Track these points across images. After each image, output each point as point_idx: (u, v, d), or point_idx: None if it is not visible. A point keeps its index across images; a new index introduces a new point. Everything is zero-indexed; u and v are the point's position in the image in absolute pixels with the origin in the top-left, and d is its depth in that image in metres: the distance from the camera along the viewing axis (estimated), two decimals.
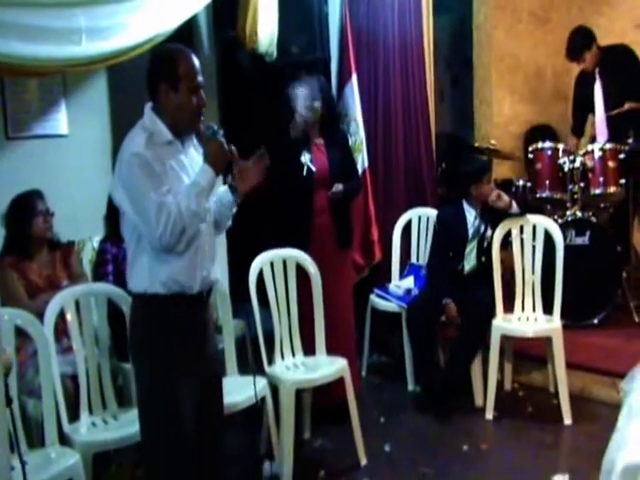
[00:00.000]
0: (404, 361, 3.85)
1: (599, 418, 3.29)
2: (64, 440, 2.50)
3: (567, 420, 3.38)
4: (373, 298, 4.06)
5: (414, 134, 4.46)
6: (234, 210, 2.27)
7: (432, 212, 4.15)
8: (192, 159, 2.19)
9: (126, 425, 2.60)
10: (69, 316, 2.68)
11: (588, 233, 4.20)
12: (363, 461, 3.08)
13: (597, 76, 4.64)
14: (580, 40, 4.61)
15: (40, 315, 2.59)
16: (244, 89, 4.57)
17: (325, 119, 3.56)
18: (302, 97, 3.47)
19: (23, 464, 1.62)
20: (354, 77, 4.18)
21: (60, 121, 3.65)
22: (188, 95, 2.09)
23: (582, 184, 4.37)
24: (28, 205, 2.98)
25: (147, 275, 2.07)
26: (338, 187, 3.45)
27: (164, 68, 2.10)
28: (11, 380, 2.30)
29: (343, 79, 4.25)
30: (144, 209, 2.00)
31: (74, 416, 2.62)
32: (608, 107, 4.60)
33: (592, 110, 4.68)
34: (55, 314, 2.64)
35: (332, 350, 3.26)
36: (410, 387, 3.86)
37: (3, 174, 3.31)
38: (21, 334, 2.55)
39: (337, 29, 4.32)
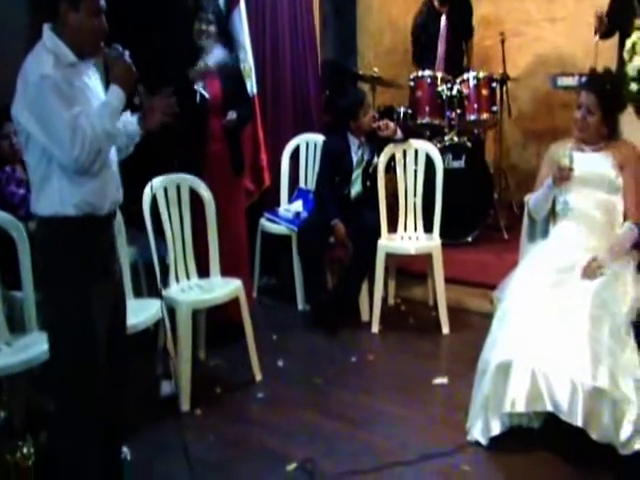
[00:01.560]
0: (294, 282, 3.99)
1: (474, 327, 3.61)
2: None
3: (445, 330, 3.68)
4: (263, 222, 4.13)
5: (302, 61, 4.47)
6: (137, 139, 2.28)
7: (319, 138, 4.22)
8: (93, 81, 2.16)
9: (20, 351, 2.55)
10: None
11: (464, 157, 4.48)
12: (258, 377, 3.21)
13: (444, 14, 4.91)
14: None
15: None
16: (131, 11, 4.32)
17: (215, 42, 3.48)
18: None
19: None
20: (242, 1, 4.08)
21: None
22: (90, 17, 2.04)
23: (459, 111, 4.62)
24: None
25: (58, 198, 2.05)
26: (232, 115, 3.45)
27: None
28: None
29: (231, 3, 4.12)
30: (57, 131, 1.97)
31: None
32: (448, 44, 4.92)
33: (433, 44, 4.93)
34: None
35: (226, 272, 3.31)
36: (300, 306, 4.02)
37: None
38: None
39: None
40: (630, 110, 3.09)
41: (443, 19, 4.94)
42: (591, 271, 2.67)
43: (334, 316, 3.75)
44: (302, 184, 4.31)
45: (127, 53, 2.13)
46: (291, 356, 3.45)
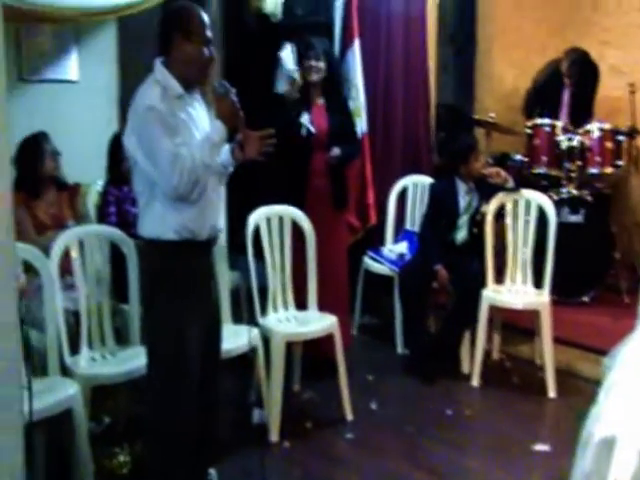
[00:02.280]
0: (394, 324, 3.90)
1: (582, 393, 3.36)
2: (65, 372, 2.56)
3: (551, 393, 3.44)
4: (366, 260, 4.09)
5: (413, 102, 4.47)
6: (230, 170, 2.36)
7: (427, 180, 4.18)
8: (198, 112, 2.26)
9: (124, 362, 2.66)
10: (73, 254, 2.72)
11: (582, 211, 4.26)
12: (349, 416, 3.14)
13: (568, 85, 4.78)
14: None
15: (46, 251, 2.63)
16: (248, 48, 4.53)
17: (327, 81, 3.55)
18: (305, 57, 3.49)
19: (30, 387, 1.64)
20: (356, 42, 4.14)
21: (71, 67, 3.73)
22: (200, 47, 2.16)
23: (579, 162, 4.42)
24: (36, 146, 3.06)
25: (159, 222, 2.15)
26: (335, 151, 3.48)
27: (178, 20, 2.18)
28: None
29: (346, 43, 4.21)
30: (159, 160, 2.07)
31: (74, 350, 2.67)
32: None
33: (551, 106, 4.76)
34: (60, 251, 2.68)
35: (325, 307, 3.29)
36: (399, 350, 3.91)
37: (15, 115, 3.29)
38: (27, 269, 2.57)
39: None
40: None
41: (567, 91, 4.81)
42: None
43: (433, 364, 3.62)
44: (408, 225, 4.25)
45: (234, 91, 2.21)
46: (385, 399, 3.35)
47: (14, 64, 3.44)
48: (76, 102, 3.68)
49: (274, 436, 2.93)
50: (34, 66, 3.56)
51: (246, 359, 2.99)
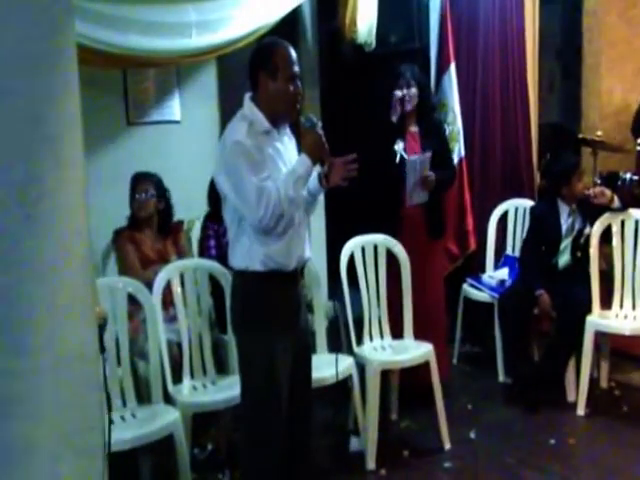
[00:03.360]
0: (495, 352, 3.84)
1: None
2: (168, 400, 2.75)
3: None
4: (466, 287, 4.06)
5: (512, 125, 4.40)
6: (318, 196, 2.41)
7: (528, 203, 4.09)
8: (286, 147, 2.33)
9: (223, 390, 2.82)
10: (175, 287, 2.91)
11: None
12: (447, 445, 3.13)
13: None
14: None
15: (149, 285, 2.84)
16: (345, 79, 4.67)
17: (421, 108, 3.59)
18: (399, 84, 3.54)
19: (110, 420, 1.76)
20: (452, 66, 4.17)
21: (174, 108, 3.92)
22: (285, 83, 2.22)
23: None
24: (132, 185, 3.26)
25: (247, 254, 2.23)
26: (430, 175, 3.46)
27: (263, 58, 2.24)
28: (108, 335, 2.49)
29: (441, 68, 4.25)
30: (246, 193, 2.14)
31: (177, 379, 2.86)
32: None
33: None
34: (163, 284, 2.88)
35: (422, 336, 3.31)
36: (500, 378, 3.84)
37: (124, 157, 3.61)
38: (133, 302, 2.80)
39: (437, 17, 4.31)
40: None
41: None
42: None
43: (536, 392, 3.52)
44: (509, 251, 4.18)
45: (320, 124, 2.26)
46: (485, 429, 3.31)
47: (122, 109, 3.69)
48: (179, 141, 3.86)
49: (371, 464, 2.98)
50: (140, 110, 3.77)
51: (344, 387, 3.08)
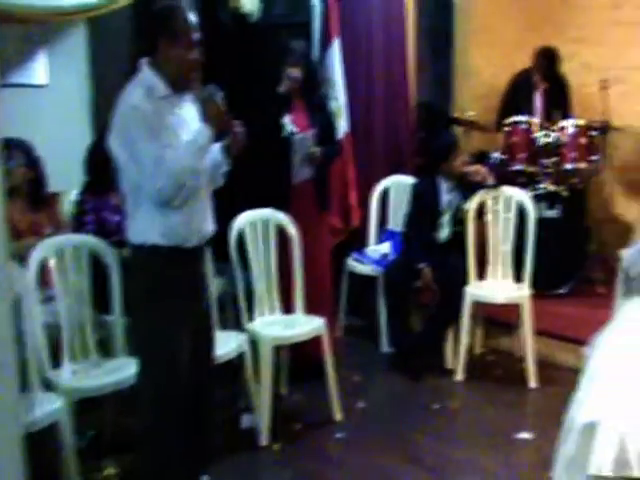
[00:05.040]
0: (378, 323, 3.96)
1: (562, 382, 3.42)
2: (47, 386, 2.53)
3: (532, 383, 3.54)
4: (350, 261, 4.14)
5: (394, 102, 4.52)
6: (224, 169, 2.33)
7: (409, 180, 4.22)
8: (188, 114, 2.22)
9: (109, 374, 2.65)
10: (52, 265, 2.69)
11: (559, 207, 4.34)
12: (338, 416, 3.19)
13: (540, 85, 4.89)
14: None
15: (21, 260, 2.59)
16: (225, 48, 4.53)
17: (306, 82, 3.58)
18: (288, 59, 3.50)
19: None
20: (336, 42, 4.18)
21: (39, 71, 3.63)
22: (186, 50, 2.14)
23: (555, 159, 4.50)
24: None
25: (147, 226, 2.12)
26: (316, 150, 3.49)
27: (162, 23, 2.14)
28: None
29: (325, 43, 4.24)
30: (143, 162, 2.03)
31: (56, 364, 2.65)
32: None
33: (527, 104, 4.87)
34: (38, 261, 2.64)
35: (310, 310, 3.33)
36: (384, 348, 3.97)
37: None
38: None
39: None
40: None
41: (540, 88, 4.95)
42: None
43: (418, 361, 3.69)
44: (391, 225, 4.31)
45: (220, 94, 2.19)
46: (372, 398, 3.42)
47: None
48: (46, 107, 3.60)
49: (264, 440, 2.97)
50: (1, 71, 3.42)
51: (233, 365, 3.03)
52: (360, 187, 4.32)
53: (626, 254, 2.93)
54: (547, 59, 4.93)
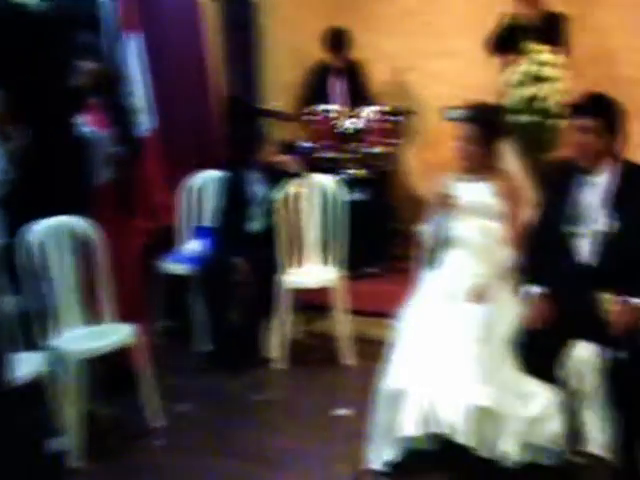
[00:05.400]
0: (196, 323, 3.90)
1: (378, 357, 3.58)
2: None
3: (349, 361, 3.70)
4: (162, 262, 4.04)
5: (199, 97, 4.49)
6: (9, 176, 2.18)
7: (218, 174, 4.17)
8: None
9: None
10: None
11: (365, 190, 4.55)
12: (158, 423, 3.11)
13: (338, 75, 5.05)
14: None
15: None
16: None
17: (100, 78, 3.43)
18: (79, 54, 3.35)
19: None
20: (132, 36, 4.04)
21: None
22: None
23: (359, 144, 4.71)
24: None
25: None
26: (115, 150, 3.38)
27: None
28: None
29: (120, 37, 4.08)
30: None
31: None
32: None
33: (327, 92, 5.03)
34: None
35: (122, 317, 3.20)
36: (203, 348, 3.91)
37: None
38: None
39: None
40: (510, 141, 3.23)
41: (337, 82, 5.10)
42: (477, 295, 2.79)
43: (237, 355, 3.69)
44: (203, 222, 4.25)
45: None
46: (193, 399, 3.37)
47: None
48: None
49: (76, 461, 2.82)
50: None
51: (39, 386, 2.83)
52: (168, 185, 4.22)
53: (424, 229, 3.18)
54: (335, 37, 5.07)
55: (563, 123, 4.08)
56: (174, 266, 4.00)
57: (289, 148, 4.76)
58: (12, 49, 3.91)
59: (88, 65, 3.35)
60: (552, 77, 4.15)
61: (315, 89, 5.07)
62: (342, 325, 3.71)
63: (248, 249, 3.77)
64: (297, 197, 3.94)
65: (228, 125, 4.83)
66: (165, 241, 4.18)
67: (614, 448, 2.54)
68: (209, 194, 4.26)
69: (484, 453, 2.48)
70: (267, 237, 3.87)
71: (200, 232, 4.17)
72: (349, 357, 3.70)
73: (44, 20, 3.80)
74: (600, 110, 2.62)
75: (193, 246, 4.08)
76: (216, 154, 4.55)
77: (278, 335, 3.68)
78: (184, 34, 4.41)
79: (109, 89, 3.52)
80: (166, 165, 4.24)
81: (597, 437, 2.59)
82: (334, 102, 5.05)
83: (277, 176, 3.89)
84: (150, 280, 3.93)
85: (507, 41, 4.47)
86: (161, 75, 4.29)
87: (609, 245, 2.60)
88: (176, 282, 3.99)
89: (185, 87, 4.41)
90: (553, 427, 2.53)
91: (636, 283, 2.54)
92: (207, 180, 4.29)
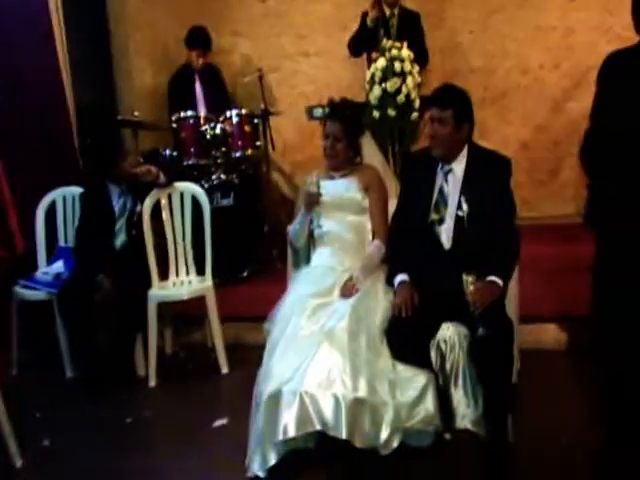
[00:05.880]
0: (59, 349, 3.69)
1: (253, 362, 3.51)
2: None
3: (224, 369, 3.63)
4: (19, 290, 3.78)
5: (49, 112, 4.24)
6: None
7: (77, 190, 3.99)
8: None
9: None
10: None
11: (232, 194, 4.50)
12: (19, 462, 2.86)
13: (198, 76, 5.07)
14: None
15: None
16: None
17: None
18: None
19: None
20: None
21: None
22: None
23: (224, 149, 4.64)
24: None
25: None
26: None
27: None
28: None
29: None
30: None
31: None
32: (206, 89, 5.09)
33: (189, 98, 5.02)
34: None
35: None
36: (68, 374, 3.71)
37: None
38: None
39: None
40: (368, 135, 3.28)
41: (198, 87, 5.09)
42: (347, 290, 2.81)
43: (106, 377, 3.50)
44: (62, 242, 4.02)
45: None
46: (59, 431, 3.13)
47: None
48: None
49: None
50: None
51: None
52: (20, 208, 3.94)
53: (290, 229, 3.16)
54: (196, 34, 5.08)
55: (419, 115, 4.25)
56: (32, 292, 3.75)
57: (152, 157, 4.62)
58: None
59: None
60: (410, 71, 4.27)
61: (180, 94, 4.97)
62: (216, 334, 3.63)
63: (113, 265, 3.60)
64: (163, 207, 3.80)
65: (85, 137, 4.60)
66: (22, 266, 3.91)
67: (484, 422, 2.65)
68: (69, 211, 4.04)
69: (364, 444, 2.48)
70: (133, 251, 3.72)
71: (61, 252, 3.93)
72: (226, 366, 3.63)
73: None
74: (451, 100, 2.73)
75: (54, 268, 3.83)
76: (73, 168, 4.32)
77: (151, 352, 3.53)
78: (34, 47, 4.15)
79: None
80: (17, 185, 3.95)
81: (467, 413, 2.69)
82: (199, 106, 4.97)
83: (141, 187, 3.73)
84: (8, 310, 3.66)
85: (370, 40, 4.58)
86: (7, 90, 4.01)
87: (461, 229, 2.73)
88: (37, 309, 3.74)
89: (36, 102, 4.16)
90: (427, 408, 2.58)
91: (489, 263, 2.67)
92: (66, 196, 4.05)
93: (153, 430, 3.18)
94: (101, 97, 5.02)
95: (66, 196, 4.07)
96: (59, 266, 3.85)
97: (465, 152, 2.78)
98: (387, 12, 4.78)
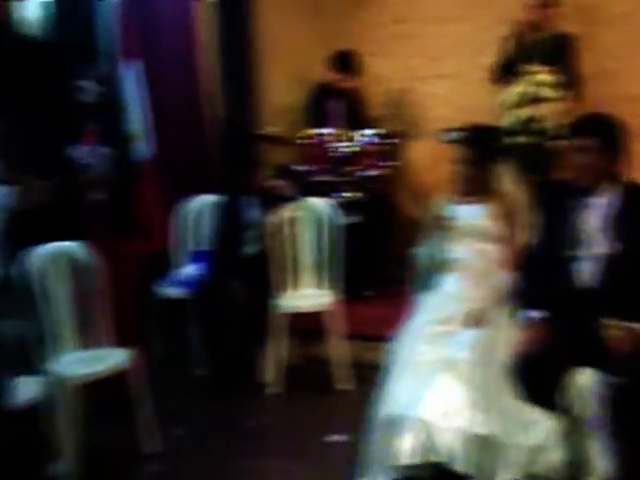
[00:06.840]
0: (192, 347, 3.90)
1: (373, 381, 3.56)
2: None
3: (346, 386, 3.68)
4: (159, 286, 4.05)
5: (195, 122, 4.53)
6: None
7: (214, 199, 4.19)
8: None
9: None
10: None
11: (360, 212, 4.59)
12: (155, 449, 3.09)
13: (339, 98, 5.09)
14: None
15: None
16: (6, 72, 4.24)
17: (97, 107, 3.48)
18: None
19: None
20: (132, 63, 4.09)
21: None
22: None
23: (354, 167, 4.75)
24: None
25: None
26: (108, 173, 3.42)
27: None
28: None
29: (119, 64, 4.13)
30: None
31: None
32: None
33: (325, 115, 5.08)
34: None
35: (118, 342, 3.21)
36: (199, 372, 3.91)
37: None
38: None
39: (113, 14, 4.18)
40: (505, 163, 3.24)
41: (335, 105, 5.14)
42: (472, 320, 2.77)
43: (233, 380, 3.69)
44: (199, 246, 4.27)
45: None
46: (190, 423, 3.36)
47: None
48: None
49: None
50: None
51: (36, 411, 2.83)
52: (166, 209, 4.24)
53: (419, 252, 3.18)
54: (344, 60, 5.14)
55: (562, 144, 4.10)
56: (170, 290, 4.01)
57: (284, 172, 4.80)
58: (13, 79, 3.98)
59: (91, 85, 3.39)
60: (550, 98, 4.17)
61: (315, 111, 5.10)
62: (337, 349, 3.70)
63: (243, 272, 3.79)
64: (292, 221, 3.95)
65: (223, 149, 4.87)
66: (161, 265, 4.19)
67: (616, 477, 2.48)
68: (205, 218, 4.28)
69: None
70: (261, 261, 3.90)
71: (196, 256, 4.19)
72: (345, 382, 3.69)
73: (45, 49, 3.85)
74: (600, 130, 2.60)
75: (189, 270, 4.09)
76: (212, 178, 4.58)
77: (273, 359, 3.68)
78: (181, 58, 4.46)
79: (108, 112, 3.56)
80: (163, 190, 4.26)
81: (599, 466, 2.51)
82: (333, 125, 5.09)
83: (272, 200, 3.91)
84: (147, 304, 3.93)
85: (512, 66, 4.44)
86: (159, 101, 4.33)
87: (610, 268, 2.55)
88: (174, 306, 4.00)
89: (182, 112, 4.46)
90: (554, 456, 2.48)
91: (632, 307, 2.50)
92: (203, 204, 4.31)
93: (272, 436, 3.30)
94: (241, 111, 5.29)
95: (205, 203, 4.30)
96: (196, 268, 4.09)
97: (614, 186, 2.62)
98: (533, 36, 4.48)
